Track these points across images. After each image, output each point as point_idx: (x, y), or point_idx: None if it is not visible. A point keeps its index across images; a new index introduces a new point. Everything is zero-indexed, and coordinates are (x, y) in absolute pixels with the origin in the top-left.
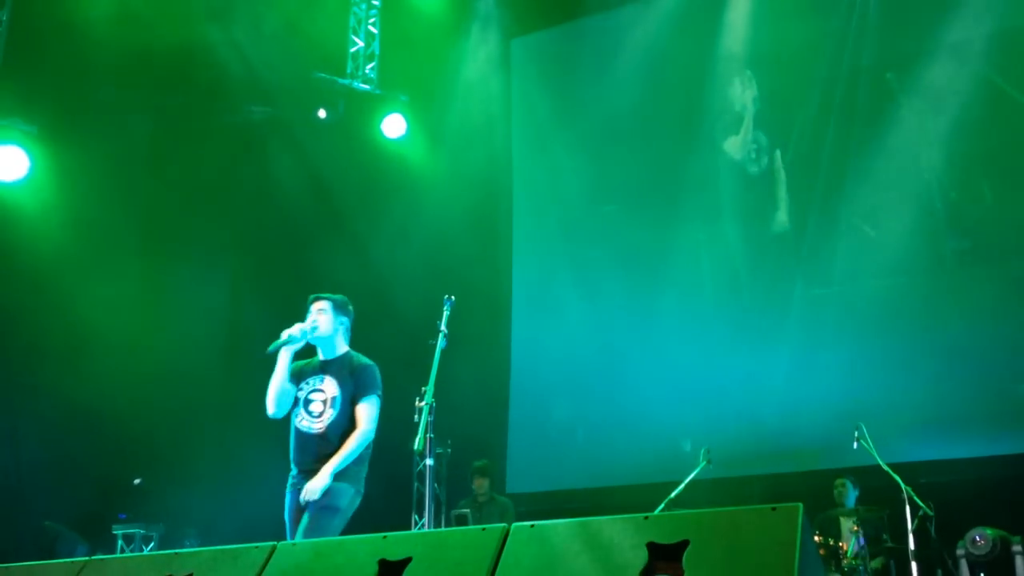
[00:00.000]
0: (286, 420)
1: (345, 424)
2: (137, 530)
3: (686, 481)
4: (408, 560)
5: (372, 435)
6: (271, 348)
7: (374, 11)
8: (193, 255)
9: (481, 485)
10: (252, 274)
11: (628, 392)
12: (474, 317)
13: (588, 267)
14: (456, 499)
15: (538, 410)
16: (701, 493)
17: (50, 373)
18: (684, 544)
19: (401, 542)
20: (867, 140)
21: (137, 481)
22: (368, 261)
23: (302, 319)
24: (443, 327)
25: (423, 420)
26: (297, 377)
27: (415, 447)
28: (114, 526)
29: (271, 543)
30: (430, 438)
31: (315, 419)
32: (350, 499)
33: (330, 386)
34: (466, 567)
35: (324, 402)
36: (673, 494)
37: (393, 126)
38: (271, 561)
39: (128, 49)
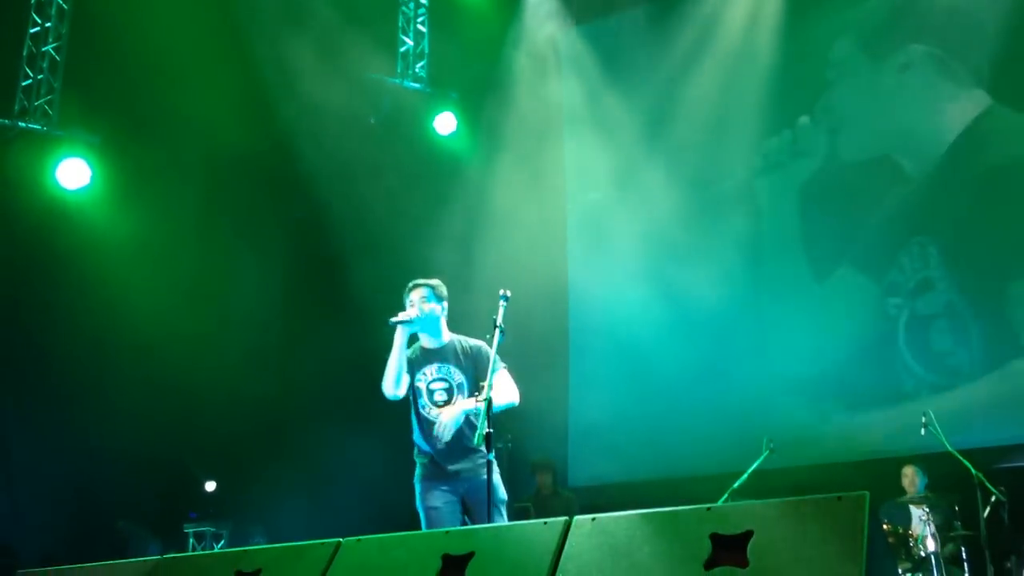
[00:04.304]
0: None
1: None
2: (207, 528)
3: (749, 471)
4: (471, 555)
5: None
6: None
7: (422, 10)
8: (251, 255)
9: (544, 481)
10: (307, 273)
11: (689, 382)
12: (531, 310)
13: (645, 257)
14: (518, 493)
15: (598, 402)
16: (764, 483)
17: (118, 373)
18: (748, 535)
19: (464, 537)
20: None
21: (211, 487)
22: (421, 256)
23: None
24: (499, 322)
25: (482, 416)
26: None
27: (474, 442)
28: (185, 525)
29: (336, 539)
30: (489, 433)
31: None
32: None
33: None
34: (529, 561)
35: None
36: (736, 484)
37: (444, 123)
38: (336, 557)
39: (185, 56)
